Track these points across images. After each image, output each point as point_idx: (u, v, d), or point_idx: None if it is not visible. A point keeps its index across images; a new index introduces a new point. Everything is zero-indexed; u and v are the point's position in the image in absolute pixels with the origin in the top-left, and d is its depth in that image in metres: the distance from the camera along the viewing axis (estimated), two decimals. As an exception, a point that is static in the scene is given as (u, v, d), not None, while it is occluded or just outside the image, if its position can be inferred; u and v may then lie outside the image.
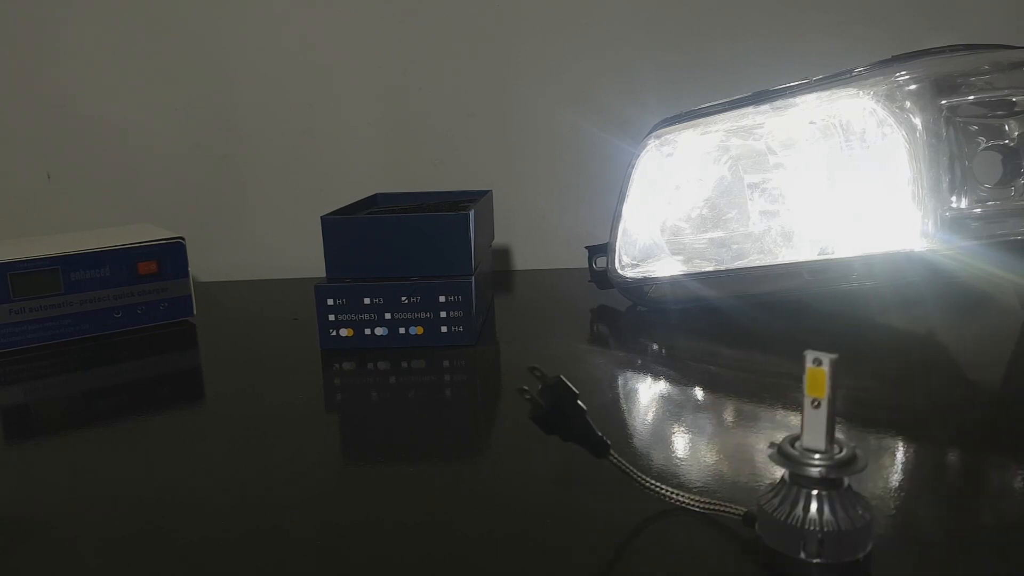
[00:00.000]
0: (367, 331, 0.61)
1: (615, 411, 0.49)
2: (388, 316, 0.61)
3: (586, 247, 0.74)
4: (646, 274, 0.69)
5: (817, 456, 0.31)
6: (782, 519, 0.31)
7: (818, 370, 0.30)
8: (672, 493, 0.35)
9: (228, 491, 0.40)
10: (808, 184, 0.61)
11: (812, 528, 0.30)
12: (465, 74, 0.88)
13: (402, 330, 0.61)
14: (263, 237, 0.92)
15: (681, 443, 0.44)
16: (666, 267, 0.68)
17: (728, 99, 0.63)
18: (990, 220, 0.53)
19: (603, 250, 0.72)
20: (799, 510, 0.30)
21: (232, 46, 0.88)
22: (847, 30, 0.84)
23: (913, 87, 0.53)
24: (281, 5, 0.87)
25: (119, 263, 0.68)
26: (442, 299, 0.60)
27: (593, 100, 0.87)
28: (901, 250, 0.55)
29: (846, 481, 0.31)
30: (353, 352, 0.61)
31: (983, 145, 0.54)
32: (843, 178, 0.59)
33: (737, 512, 0.33)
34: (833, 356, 0.30)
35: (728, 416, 0.48)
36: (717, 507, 0.34)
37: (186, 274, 0.71)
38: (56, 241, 0.71)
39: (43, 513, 0.39)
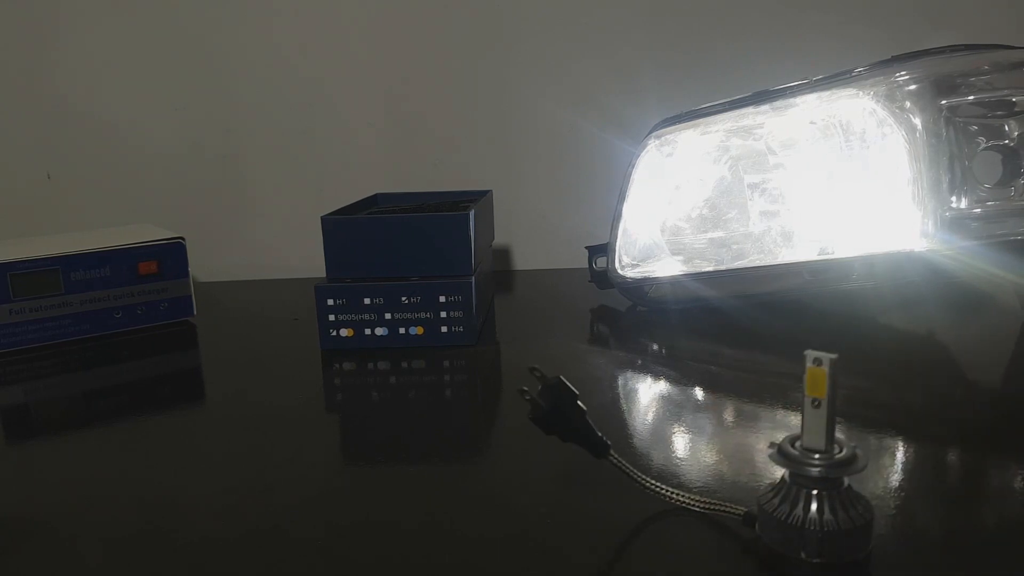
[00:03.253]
0: (367, 331, 0.61)
1: (615, 411, 0.49)
2: (388, 316, 0.61)
3: (586, 247, 0.74)
4: (646, 274, 0.69)
5: (817, 456, 0.31)
6: (782, 519, 0.31)
7: (818, 370, 0.30)
8: (672, 493, 0.35)
9: (228, 491, 0.40)
10: (808, 184, 0.61)
11: (812, 528, 0.30)
12: (465, 74, 0.88)
13: (402, 330, 0.61)
14: (263, 237, 0.92)
15: (681, 443, 0.44)
16: (666, 267, 0.68)
17: (728, 99, 0.63)
18: (990, 220, 0.53)
19: (603, 250, 0.72)
20: (799, 510, 0.30)
21: (232, 46, 0.88)
22: (847, 30, 0.84)
23: (913, 87, 0.53)
24: (281, 5, 0.87)
25: (119, 263, 0.68)
26: (442, 299, 0.60)
27: (593, 100, 0.87)
28: (901, 250, 0.55)
29: (846, 481, 0.31)
30: (353, 352, 0.61)
31: (983, 145, 0.54)
32: (843, 178, 0.59)
33: (737, 512, 0.33)
34: (833, 356, 0.30)
35: (728, 416, 0.48)
36: (717, 507, 0.34)
37: (186, 274, 0.71)
38: (56, 241, 0.71)
39: (43, 513, 0.39)
